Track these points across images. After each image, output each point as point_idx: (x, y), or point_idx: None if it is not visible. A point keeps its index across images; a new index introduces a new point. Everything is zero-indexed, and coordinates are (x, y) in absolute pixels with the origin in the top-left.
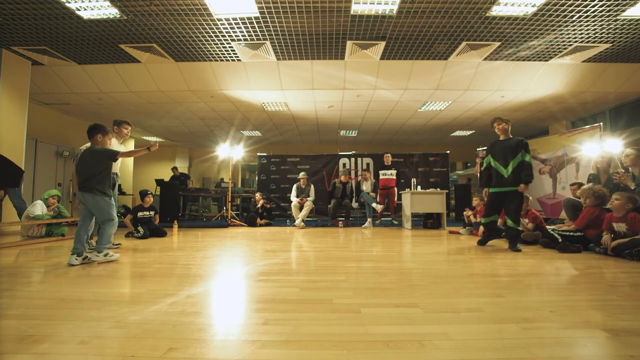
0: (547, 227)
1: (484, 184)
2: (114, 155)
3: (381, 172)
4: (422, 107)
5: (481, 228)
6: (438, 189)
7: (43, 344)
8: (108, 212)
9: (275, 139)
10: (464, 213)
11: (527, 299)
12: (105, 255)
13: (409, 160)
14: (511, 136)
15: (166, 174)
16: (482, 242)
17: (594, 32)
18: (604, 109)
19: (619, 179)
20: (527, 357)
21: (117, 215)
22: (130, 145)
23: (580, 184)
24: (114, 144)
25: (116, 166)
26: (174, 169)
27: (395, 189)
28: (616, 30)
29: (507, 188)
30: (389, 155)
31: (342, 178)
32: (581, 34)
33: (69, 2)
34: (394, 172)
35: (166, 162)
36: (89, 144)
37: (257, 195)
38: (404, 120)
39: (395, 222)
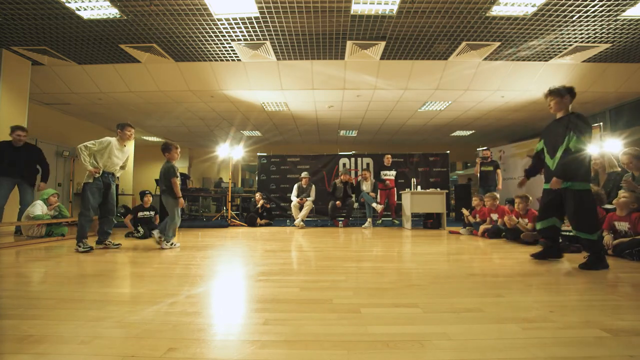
0: None
1: (526, 174)
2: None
3: (382, 172)
4: (422, 107)
5: (481, 228)
6: (438, 189)
7: (43, 344)
8: (173, 210)
9: (275, 139)
10: (463, 212)
11: (527, 299)
12: (172, 244)
13: (409, 160)
14: (565, 113)
15: None
16: (538, 256)
17: (594, 32)
18: (604, 109)
19: (627, 187)
20: (527, 357)
21: (117, 215)
22: (129, 145)
23: None
24: (115, 146)
25: (112, 166)
26: None
27: (395, 189)
28: (616, 30)
29: (563, 184)
30: (389, 156)
31: (343, 177)
32: (581, 34)
33: (69, 2)
34: (393, 172)
35: None
36: (91, 142)
37: (257, 195)
38: (404, 120)
39: (397, 222)
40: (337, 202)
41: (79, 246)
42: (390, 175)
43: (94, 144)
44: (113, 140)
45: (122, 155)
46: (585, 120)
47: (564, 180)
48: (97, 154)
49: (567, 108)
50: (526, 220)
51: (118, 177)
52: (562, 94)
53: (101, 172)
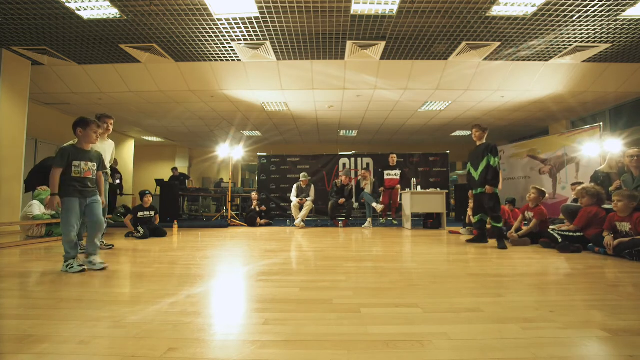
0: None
1: (468, 188)
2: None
3: (385, 172)
4: (422, 107)
5: None
6: (438, 189)
7: (43, 344)
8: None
9: (275, 139)
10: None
11: (527, 299)
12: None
13: (409, 160)
14: (483, 141)
15: (166, 174)
16: (470, 240)
17: (594, 32)
18: (604, 109)
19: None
20: (527, 357)
21: (117, 215)
22: (129, 145)
23: (581, 184)
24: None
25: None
26: (174, 169)
27: (399, 188)
28: (616, 30)
29: (479, 190)
30: (394, 155)
31: (343, 179)
32: (581, 34)
33: (69, 2)
34: (398, 172)
35: (166, 162)
36: (69, 143)
37: (254, 195)
38: (404, 120)
39: (395, 222)
40: (341, 200)
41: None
42: (393, 175)
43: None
44: None
45: (105, 148)
46: (496, 148)
47: (491, 187)
48: None
49: (484, 139)
50: (531, 213)
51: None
52: (484, 129)
53: None
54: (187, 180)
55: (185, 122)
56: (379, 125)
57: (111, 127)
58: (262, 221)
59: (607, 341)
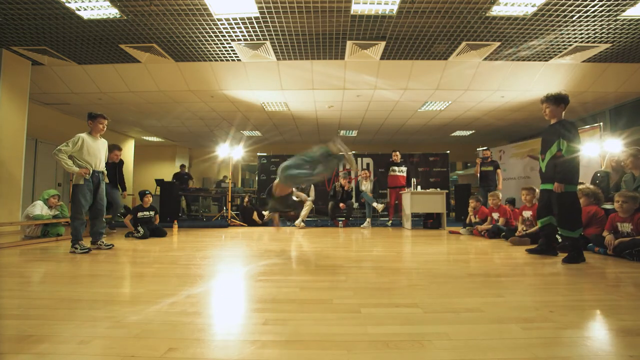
0: None
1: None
2: None
3: (390, 168)
4: (422, 107)
5: (481, 228)
6: (438, 189)
7: (43, 344)
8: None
9: (275, 139)
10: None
11: (527, 299)
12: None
13: (409, 160)
14: (555, 120)
15: (166, 174)
16: (533, 251)
17: (594, 32)
18: (604, 109)
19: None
20: (528, 357)
21: (117, 215)
22: (129, 145)
23: (581, 184)
24: (88, 140)
25: (96, 162)
26: (182, 166)
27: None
28: (616, 30)
29: (545, 185)
30: (398, 152)
31: (343, 182)
32: (581, 34)
33: (69, 2)
34: (404, 169)
35: (166, 162)
36: (63, 144)
37: (246, 198)
38: (404, 120)
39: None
40: (341, 205)
41: (76, 248)
42: (399, 171)
43: (67, 145)
44: (83, 135)
45: (99, 147)
46: (575, 127)
47: (559, 183)
48: (76, 154)
49: (560, 115)
50: (523, 227)
51: (105, 174)
52: (558, 102)
53: (91, 172)
54: (189, 180)
55: (185, 122)
56: (379, 125)
57: (102, 127)
58: (262, 216)
59: (607, 341)
